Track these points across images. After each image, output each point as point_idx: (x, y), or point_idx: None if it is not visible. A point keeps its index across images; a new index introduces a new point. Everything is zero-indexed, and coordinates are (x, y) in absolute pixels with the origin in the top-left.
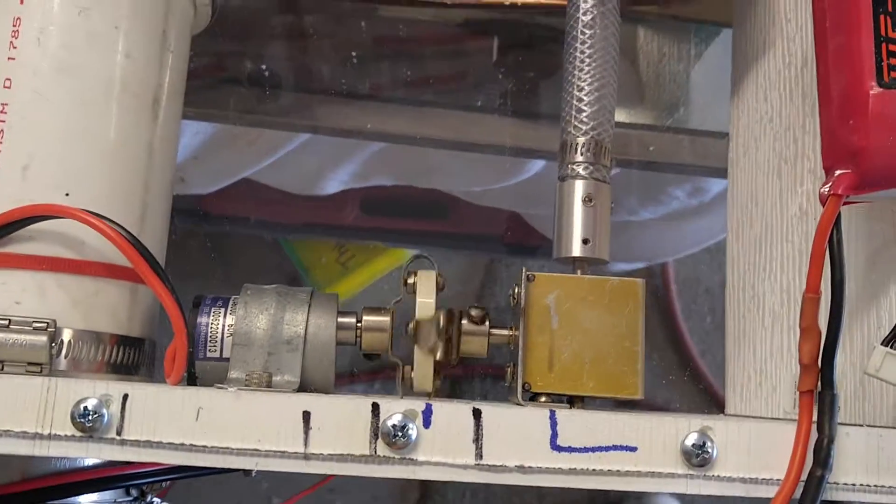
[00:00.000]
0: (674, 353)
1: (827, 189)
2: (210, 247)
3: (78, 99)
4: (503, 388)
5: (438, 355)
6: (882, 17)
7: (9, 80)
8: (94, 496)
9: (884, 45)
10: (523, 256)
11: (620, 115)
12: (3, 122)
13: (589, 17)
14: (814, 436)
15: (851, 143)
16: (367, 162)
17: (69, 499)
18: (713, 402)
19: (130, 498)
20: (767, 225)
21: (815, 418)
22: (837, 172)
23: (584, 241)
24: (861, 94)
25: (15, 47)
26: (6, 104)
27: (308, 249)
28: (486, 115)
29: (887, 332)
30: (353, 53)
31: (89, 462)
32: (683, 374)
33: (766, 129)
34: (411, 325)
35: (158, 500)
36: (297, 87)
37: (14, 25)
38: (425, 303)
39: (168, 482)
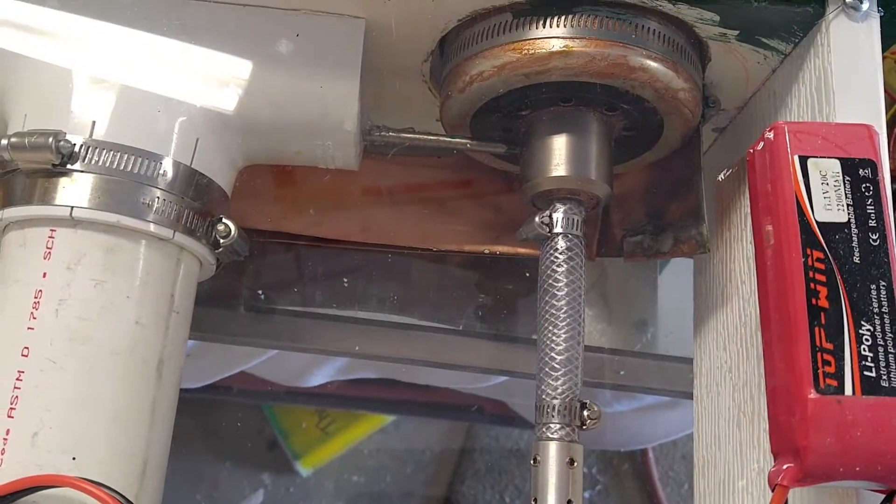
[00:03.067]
0: None
1: (775, 474)
2: (191, 412)
3: (89, 366)
4: None
5: None
6: (816, 328)
7: (27, 349)
8: None
9: (819, 354)
10: (503, 426)
11: (592, 337)
12: (19, 388)
13: (560, 273)
14: None
15: (794, 441)
16: (351, 362)
17: None
18: None
19: None
20: (730, 472)
21: None
22: (784, 466)
23: (534, 501)
24: (801, 398)
25: (35, 318)
26: (23, 372)
27: (288, 414)
28: (467, 338)
29: None
30: (345, 280)
31: None
32: None
33: (725, 378)
34: None
35: None
36: (291, 311)
37: (35, 297)
38: None
39: None
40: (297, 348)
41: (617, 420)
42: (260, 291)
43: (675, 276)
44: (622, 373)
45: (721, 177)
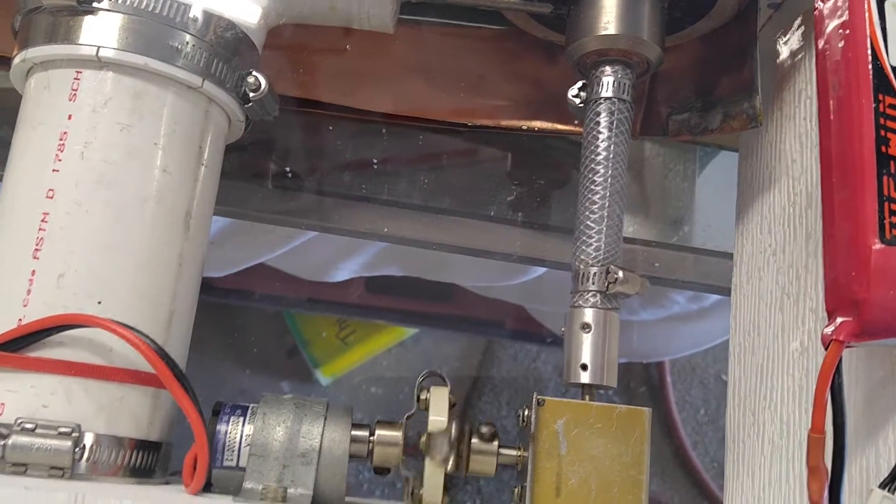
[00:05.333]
0: (666, 444)
1: (830, 332)
2: (213, 318)
3: (115, 211)
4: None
5: (449, 467)
6: (885, 177)
7: (52, 190)
8: None
9: (886, 203)
10: (522, 341)
11: (627, 230)
12: (44, 230)
13: (602, 150)
14: None
15: (854, 293)
16: (377, 255)
17: None
18: (703, 493)
19: None
20: (769, 356)
21: None
22: (840, 319)
23: (583, 367)
24: (864, 248)
25: (60, 160)
26: (48, 213)
27: (309, 323)
28: (498, 224)
29: (885, 475)
30: (374, 161)
31: None
32: (675, 464)
33: (769, 262)
34: (423, 438)
35: None
36: (319, 190)
37: (61, 139)
38: (438, 418)
39: None
40: (324, 228)
41: (643, 329)
42: (287, 169)
43: (715, 172)
44: (656, 265)
45: (779, 39)
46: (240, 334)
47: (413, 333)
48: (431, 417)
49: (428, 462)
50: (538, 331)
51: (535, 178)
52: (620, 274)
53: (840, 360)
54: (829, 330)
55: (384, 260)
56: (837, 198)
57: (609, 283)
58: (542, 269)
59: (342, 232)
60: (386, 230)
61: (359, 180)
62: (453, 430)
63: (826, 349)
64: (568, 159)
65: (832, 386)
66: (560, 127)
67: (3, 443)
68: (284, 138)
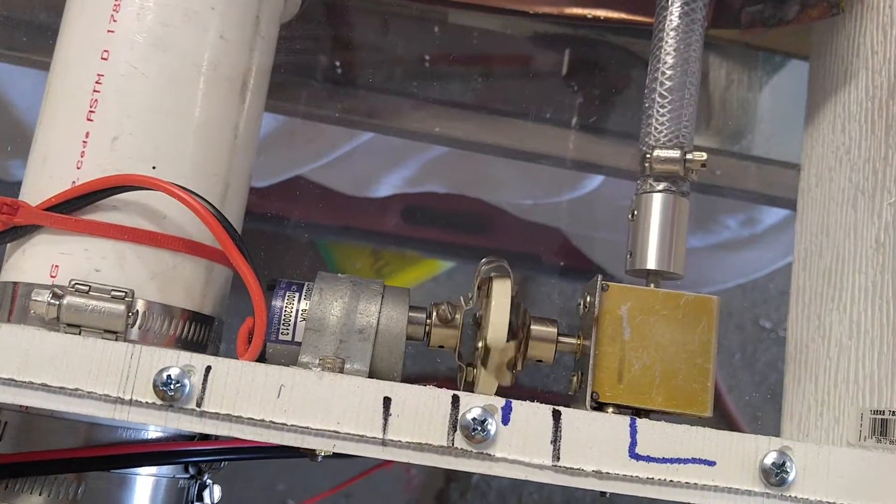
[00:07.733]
0: None
1: None
2: (247, 244)
3: (171, 75)
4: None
5: (507, 380)
6: None
7: (107, 51)
8: (152, 469)
9: None
10: (558, 277)
11: None
12: (98, 92)
13: (673, 34)
14: None
15: None
16: (422, 167)
17: (129, 469)
18: None
19: (188, 475)
20: (838, 256)
21: None
22: None
23: (629, 254)
24: None
25: (115, 20)
26: (102, 75)
27: (343, 253)
28: (552, 126)
29: None
30: (426, 57)
31: (151, 435)
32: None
33: (842, 161)
34: (480, 345)
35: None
36: (369, 87)
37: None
38: (496, 334)
39: (224, 463)
40: (373, 126)
41: (691, 257)
42: (337, 63)
43: (781, 82)
44: (718, 172)
45: None
46: (272, 264)
47: (447, 268)
48: (490, 332)
49: (483, 373)
50: (577, 265)
51: (589, 82)
52: (662, 153)
53: None
54: None
55: (428, 174)
56: None
57: (652, 164)
58: (592, 185)
59: (392, 131)
60: (437, 129)
61: (410, 77)
62: (512, 348)
63: None
64: (622, 67)
65: None
66: (626, 17)
67: (57, 303)
68: (334, 33)
